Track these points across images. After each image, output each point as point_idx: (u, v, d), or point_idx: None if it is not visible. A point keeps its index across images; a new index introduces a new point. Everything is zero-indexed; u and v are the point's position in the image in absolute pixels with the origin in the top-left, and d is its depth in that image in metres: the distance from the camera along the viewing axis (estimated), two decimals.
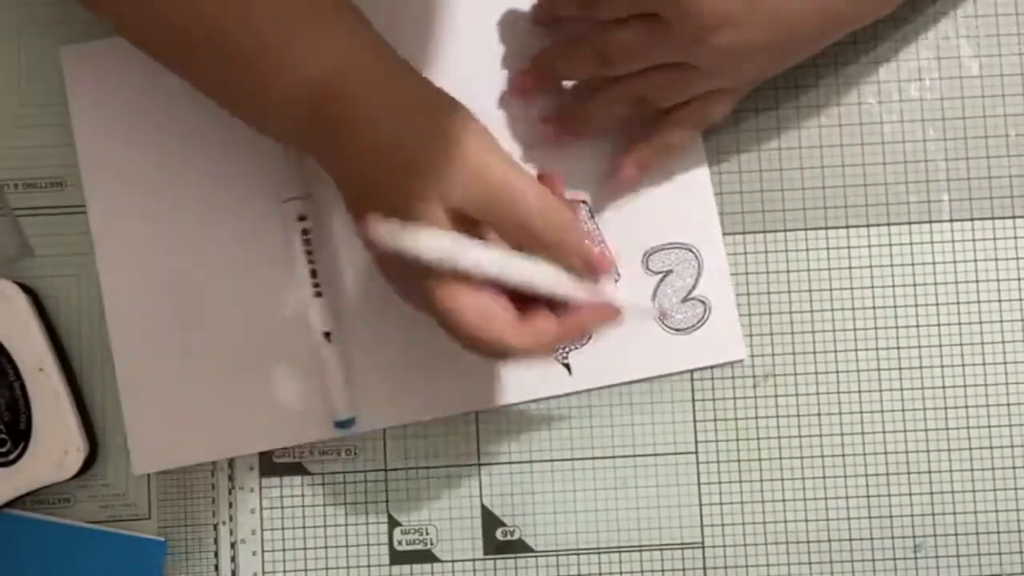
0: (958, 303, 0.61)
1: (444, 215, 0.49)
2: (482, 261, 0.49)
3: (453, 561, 0.60)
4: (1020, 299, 0.61)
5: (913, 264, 0.61)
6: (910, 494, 0.60)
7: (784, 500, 0.60)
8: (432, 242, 0.48)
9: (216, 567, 0.60)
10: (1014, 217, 0.61)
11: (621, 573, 0.60)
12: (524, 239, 0.50)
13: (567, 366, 0.60)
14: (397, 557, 0.60)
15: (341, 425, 0.59)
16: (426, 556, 0.60)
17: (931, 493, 0.60)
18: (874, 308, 0.61)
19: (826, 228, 0.61)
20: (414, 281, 0.50)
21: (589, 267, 0.51)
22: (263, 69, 0.52)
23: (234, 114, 0.55)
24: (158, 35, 0.54)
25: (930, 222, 0.61)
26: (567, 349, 0.60)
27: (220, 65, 0.53)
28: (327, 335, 0.58)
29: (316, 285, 0.58)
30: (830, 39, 0.57)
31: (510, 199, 0.50)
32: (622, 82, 0.57)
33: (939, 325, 0.61)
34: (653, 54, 0.55)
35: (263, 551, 0.60)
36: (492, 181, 0.50)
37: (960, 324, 0.61)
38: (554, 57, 0.59)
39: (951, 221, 0.61)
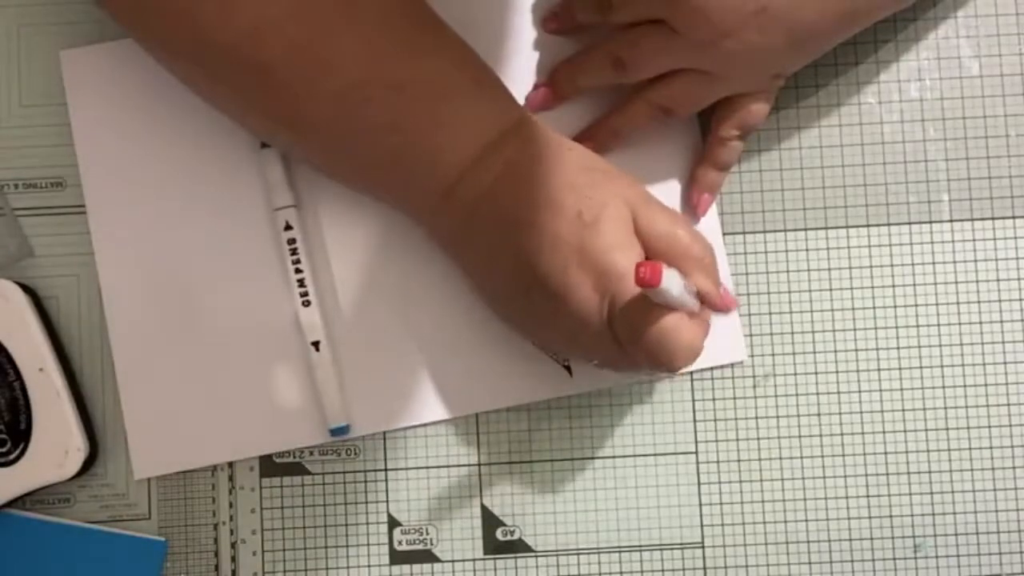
0: (958, 303, 0.61)
1: (630, 218, 0.53)
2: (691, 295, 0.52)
3: (453, 561, 0.60)
4: (1020, 299, 0.61)
5: (913, 264, 0.61)
6: (910, 494, 0.60)
7: (784, 500, 0.60)
8: (678, 278, 0.49)
9: (216, 567, 0.60)
10: (1014, 217, 0.61)
11: (621, 573, 0.60)
12: (675, 252, 0.53)
13: (567, 368, 0.60)
14: (397, 557, 0.60)
15: (335, 433, 0.59)
16: (426, 556, 0.60)
17: (931, 493, 0.60)
18: (874, 308, 0.61)
19: (826, 228, 0.61)
20: (637, 325, 0.51)
21: (718, 302, 0.54)
22: (414, 145, 0.53)
23: (349, 179, 0.57)
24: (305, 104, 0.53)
25: (930, 222, 0.61)
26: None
27: (364, 143, 0.53)
28: (315, 344, 0.58)
29: (304, 295, 0.58)
30: (846, 35, 0.56)
31: (672, 214, 0.54)
32: (643, 93, 0.57)
33: (939, 325, 0.61)
34: (666, 59, 0.55)
35: (263, 551, 0.60)
36: (651, 197, 0.54)
37: (960, 324, 0.61)
38: (569, 67, 0.59)
39: (951, 221, 0.61)
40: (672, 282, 0.47)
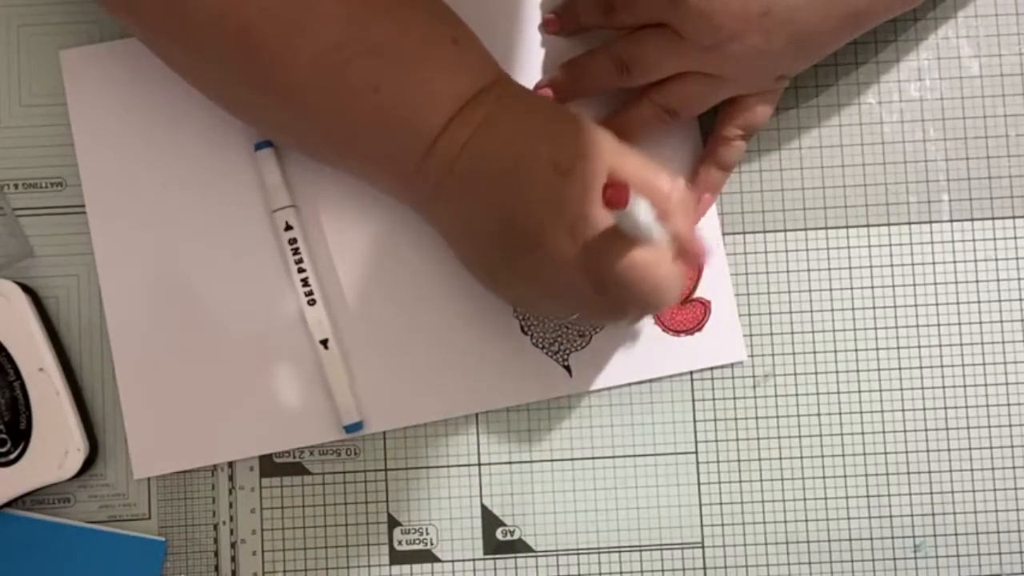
0: (958, 303, 0.61)
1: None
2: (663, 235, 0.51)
3: (453, 561, 0.60)
4: (1020, 299, 0.61)
5: (913, 264, 0.61)
6: (910, 494, 0.60)
7: (784, 500, 0.60)
8: (647, 207, 0.49)
9: (216, 567, 0.60)
10: (1014, 217, 0.61)
11: (621, 573, 0.60)
12: (654, 197, 0.52)
13: (567, 368, 0.60)
14: (397, 557, 0.60)
15: (350, 430, 0.59)
16: (426, 556, 0.60)
17: (931, 493, 0.60)
18: (874, 308, 0.61)
19: (826, 228, 0.61)
20: (611, 257, 0.51)
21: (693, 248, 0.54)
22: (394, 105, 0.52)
23: (321, 149, 0.56)
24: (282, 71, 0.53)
25: (930, 222, 0.61)
26: (567, 350, 0.60)
27: (344, 108, 0.53)
28: (324, 342, 0.58)
29: (309, 294, 0.58)
30: (849, 38, 0.56)
31: (649, 162, 0.53)
32: (648, 95, 0.57)
33: (939, 325, 0.61)
34: (671, 63, 0.55)
35: (263, 551, 0.60)
36: (626, 148, 0.53)
37: (960, 324, 0.61)
38: (573, 69, 0.59)
39: (951, 221, 0.61)
40: (639, 208, 0.47)
